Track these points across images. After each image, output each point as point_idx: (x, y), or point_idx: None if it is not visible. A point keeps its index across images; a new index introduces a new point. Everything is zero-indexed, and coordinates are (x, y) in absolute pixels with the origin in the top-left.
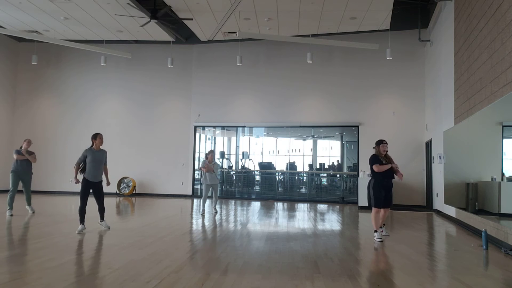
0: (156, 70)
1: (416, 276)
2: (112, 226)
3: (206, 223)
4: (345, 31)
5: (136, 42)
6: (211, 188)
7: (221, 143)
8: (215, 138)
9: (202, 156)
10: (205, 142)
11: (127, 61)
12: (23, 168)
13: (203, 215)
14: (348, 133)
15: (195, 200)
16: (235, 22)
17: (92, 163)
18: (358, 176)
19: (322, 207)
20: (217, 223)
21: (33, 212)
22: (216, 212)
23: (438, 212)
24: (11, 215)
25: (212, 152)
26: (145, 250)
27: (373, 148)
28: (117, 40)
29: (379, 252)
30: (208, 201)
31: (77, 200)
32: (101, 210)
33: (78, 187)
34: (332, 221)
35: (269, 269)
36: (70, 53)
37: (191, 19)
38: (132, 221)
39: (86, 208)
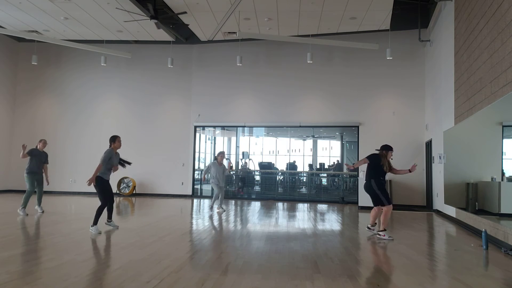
0: (156, 70)
1: (416, 276)
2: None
3: (206, 223)
4: (345, 31)
5: (136, 42)
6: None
7: (221, 143)
8: (215, 138)
9: (202, 156)
10: (205, 142)
11: (127, 61)
12: (39, 169)
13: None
14: (348, 133)
15: (195, 200)
16: (235, 22)
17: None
18: (358, 176)
19: (322, 207)
20: (217, 223)
21: (43, 212)
22: (224, 210)
23: (438, 212)
24: (27, 214)
25: (222, 154)
26: (145, 250)
27: (376, 150)
28: (117, 40)
29: (379, 252)
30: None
31: (76, 200)
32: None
33: (76, 187)
34: (332, 221)
35: (269, 269)
36: (70, 53)
37: (188, 24)
38: (132, 221)
39: (89, 207)
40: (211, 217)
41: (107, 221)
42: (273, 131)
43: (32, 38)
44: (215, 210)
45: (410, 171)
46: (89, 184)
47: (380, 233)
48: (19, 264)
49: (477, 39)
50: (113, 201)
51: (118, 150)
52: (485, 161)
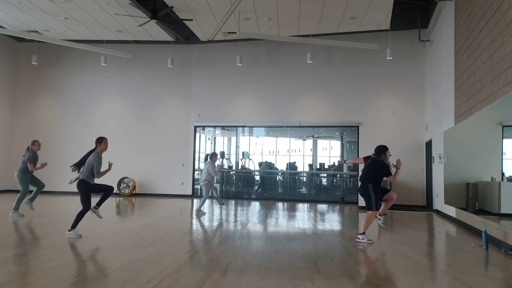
0: (156, 70)
1: (416, 276)
2: (112, 226)
3: (206, 223)
4: (345, 31)
5: (136, 42)
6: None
7: (221, 143)
8: (215, 138)
9: (202, 157)
10: (205, 142)
11: (127, 61)
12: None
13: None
14: (348, 133)
15: (195, 200)
16: (235, 22)
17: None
18: (358, 176)
19: (322, 207)
20: (217, 223)
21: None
22: (204, 213)
23: (438, 212)
24: (23, 215)
25: (216, 155)
26: (145, 250)
27: (374, 156)
28: (117, 40)
29: (379, 252)
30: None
31: (76, 200)
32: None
33: (76, 187)
34: (332, 221)
35: (269, 269)
36: (70, 53)
37: (191, 20)
38: (132, 221)
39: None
40: (210, 218)
41: (95, 207)
42: (273, 131)
43: (32, 38)
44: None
45: (397, 168)
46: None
47: (359, 236)
48: (19, 264)
49: (477, 39)
50: (111, 191)
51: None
52: (485, 161)
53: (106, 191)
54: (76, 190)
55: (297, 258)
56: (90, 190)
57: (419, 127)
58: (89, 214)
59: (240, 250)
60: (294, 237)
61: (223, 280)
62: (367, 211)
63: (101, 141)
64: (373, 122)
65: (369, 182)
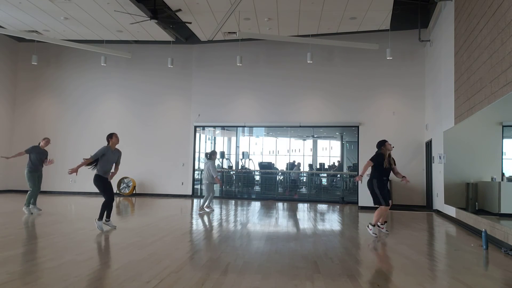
0: (156, 70)
1: (416, 276)
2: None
3: (206, 223)
4: (345, 31)
5: (136, 42)
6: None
7: (221, 143)
8: (215, 138)
9: (202, 157)
10: (205, 142)
11: (127, 61)
12: (39, 166)
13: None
14: (348, 133)
15: (195, 200)
16: (235, 22)
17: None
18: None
19: (322, 207)
20: (217, 223)
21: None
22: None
23: (438, 212)
24: (32, 213)
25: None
26: (145, 250)
27: (377, 152)
28: (117, 40)
29: (379, 252)
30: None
31: (76, 200)
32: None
33: (76, 187)
34: (332, 221)
35: (269, 269)
36: (70, 53)
37: (190, 23)
38: (132, 221)
39: (86, 206)
40: (210, 217)
41: (105, 220)
42: (273, 131)
43: (32, 38)
44: (206, 209)
45: (404, 177)
46: (70, 173)
47: (369, 225)
48: (19, 264)
49: (477, 39)
50: (112, 201)
51: (118, 147)
52: (485, 161)
53: (110, 199)
54: (75, 190)
55: (297, 258)
56: (105, 185)
57: (419, 127)
58: (89, 214)
59: (240, 250)
60: (294, 237)
61: (223, 280)
62: (380, 206)
63: (112, 136)
64: (373, 122)
65: (373, 177)
